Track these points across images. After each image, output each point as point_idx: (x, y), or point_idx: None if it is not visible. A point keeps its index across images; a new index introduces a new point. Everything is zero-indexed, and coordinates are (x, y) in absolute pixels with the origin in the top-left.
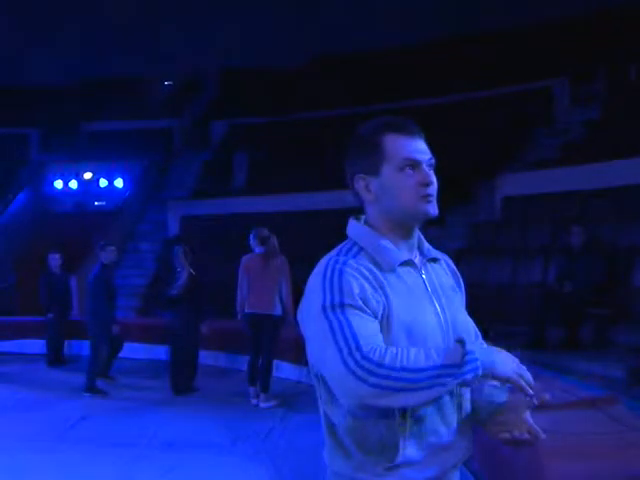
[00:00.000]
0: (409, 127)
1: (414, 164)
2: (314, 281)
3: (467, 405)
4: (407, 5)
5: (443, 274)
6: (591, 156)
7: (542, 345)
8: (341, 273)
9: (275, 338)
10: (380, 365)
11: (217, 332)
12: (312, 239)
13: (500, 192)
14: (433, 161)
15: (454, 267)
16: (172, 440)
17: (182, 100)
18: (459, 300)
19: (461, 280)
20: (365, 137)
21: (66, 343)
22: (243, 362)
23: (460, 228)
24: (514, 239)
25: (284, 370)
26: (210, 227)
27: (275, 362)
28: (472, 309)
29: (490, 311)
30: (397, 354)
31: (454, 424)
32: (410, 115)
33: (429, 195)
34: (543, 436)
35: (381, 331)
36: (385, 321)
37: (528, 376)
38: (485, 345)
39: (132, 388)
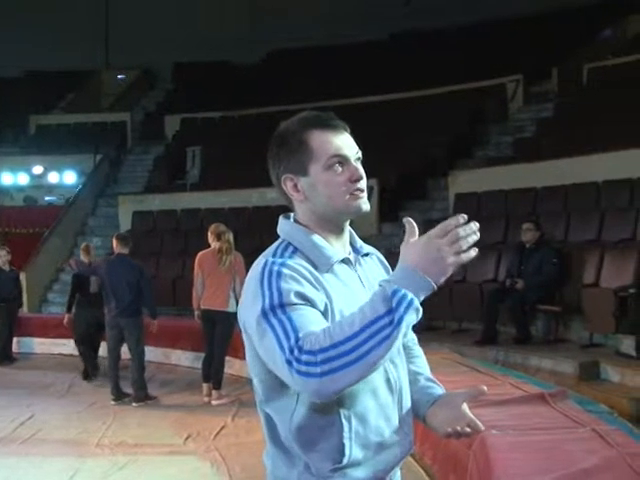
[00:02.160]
0: (333, 122)
1: (342, 160)
2: (252, 285)
3: (407, 401)
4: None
5: (375, 268)
6: (543, 154)
7: (493, 341)
8: (279, 274)
9: (228, 335)
10: (313, 353)
11: (169, 329)
12: (265, 235)
13: (453, 189)
14: (360, 155)
15: (385, 261)
16: (122, 438)
17: (135, 94)
18: None
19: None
20: (289, 135)
21: (15, 340)
22: (196, 359)
23: None
24: None
25: (237, 367)
26: (162, 222)
27: (228, 359)
28: (424, 305)
29: (442, 307)
30: (328, 332)
31: (396, 422)
32: (365, 111)
33: (359, 190)
34: (482, 428)
35: None
36: (328, 320)
37: (460, 232)
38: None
39: (81, 387)
